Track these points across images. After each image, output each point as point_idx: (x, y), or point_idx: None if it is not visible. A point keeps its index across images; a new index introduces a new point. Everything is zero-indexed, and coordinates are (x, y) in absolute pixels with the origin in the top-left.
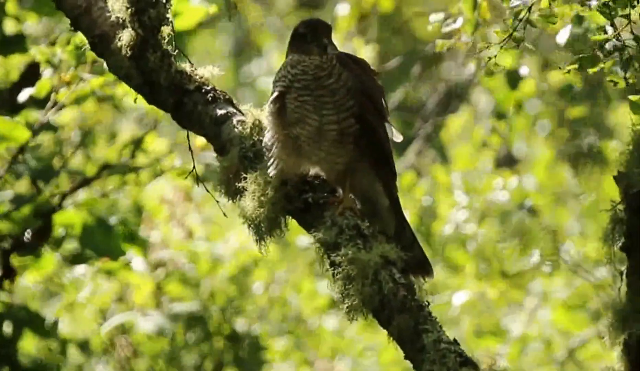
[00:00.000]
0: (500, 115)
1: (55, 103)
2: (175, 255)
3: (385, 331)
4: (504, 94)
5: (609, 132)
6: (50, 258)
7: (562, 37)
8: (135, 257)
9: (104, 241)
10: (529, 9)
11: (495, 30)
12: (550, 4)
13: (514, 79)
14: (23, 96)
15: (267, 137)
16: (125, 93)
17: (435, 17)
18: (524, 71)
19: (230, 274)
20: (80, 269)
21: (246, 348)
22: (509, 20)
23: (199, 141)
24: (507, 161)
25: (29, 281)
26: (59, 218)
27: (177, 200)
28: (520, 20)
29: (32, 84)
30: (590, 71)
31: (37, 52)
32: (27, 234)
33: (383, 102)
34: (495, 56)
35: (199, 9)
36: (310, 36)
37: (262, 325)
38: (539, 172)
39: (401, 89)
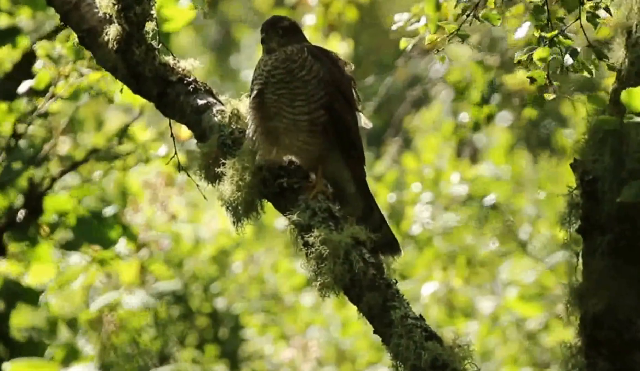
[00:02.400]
0: (459, 96)
1: (53, 95)
2: (159, 236)
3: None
4: (477, 109)
5: (565, 123)
6: (46, 248)
7: (520, 33)
8: (122, 243)
9: (97, 231)
10: (476, 5)
11: (444, 24)
12: (495, 3)
13: (485, 94)
14: (23, 87)
15: (249, 131)
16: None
17: (400, 17)
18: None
19: (210, 255)
20: (75, 257)
21: (226, 326)
22: (453, 16)
23: (185, 131)
24: (467, 150)
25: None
26: (50, 202)
27: (160, 184)
28: (468, 16)
29: (26, 75)
30: (540, 63)
31: (38, 47)
32: (20, 214)
33: (353, 92)
34: (443, 48)
35: (186, 11)
36: (263, 37)
37: (241, 302)
38: (498, 160)
39: (375, 99)
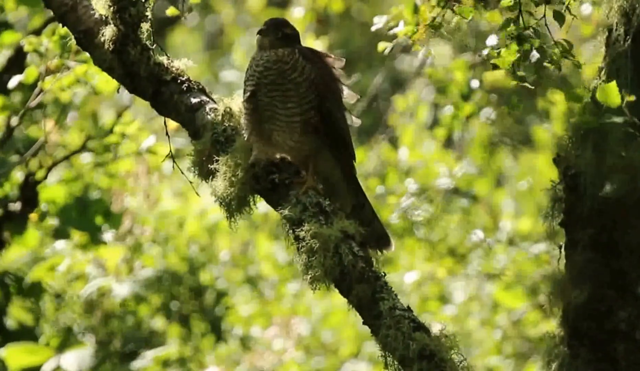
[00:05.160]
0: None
1: (42, 90)
2: (142, 224)
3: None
4: (457, 106)
5: (544, 119)
6: (33, 234)
7: (492, 40)
8: (108, 231)
9: (81, 217)
10: None
11: (430, 23)
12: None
13: (466, 92)
14: (13, 82)
15: (245, 134)
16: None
17: (379, 19)
18: (474, 84)
19: (194, 232)
20: (61, 244)
21: (210, 297)
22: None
23: (172, 123)
24: (449, 144)
25: (16, 253)
26: (44, 192)
27: (142, 173)
28: (443, 7)
29: (18, 69)
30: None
31: (25, 42)
32: (16, 205)
33: (343, 88)
34: (426, 46)
35: None
36: (264, 32)
37: (225, 283)
38: (478, 155)
39: (364, 99)
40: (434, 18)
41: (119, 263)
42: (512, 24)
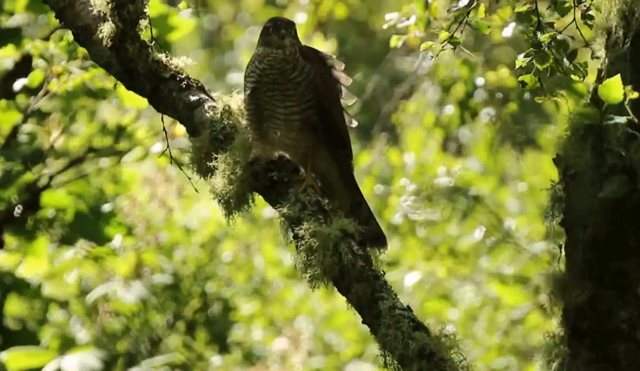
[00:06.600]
0: (445, 89)
1: (46, 92)
2: (156, 231)
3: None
4: (462, 105)
5: (547, 119)
6: (42, 242)
7: (508, 31)
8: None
9: (93, 228)
10: (468, 13)
11: (439, 31)
12: (486, 12)
13: (471, 90)
14: (17, 85)
15: (246, 134)
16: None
17: (391, 16)
18: (479, 81)
19: (201, 242)
20: (69, 253)
21: (216, 309)
22: (446, 23)
23: (180, 129)
24: (452, 145)
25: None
26: (48, 198)
27: (158, 180)
28: (460, 22)
29: (25, 75)
30: (541, 67)
31: (31, 46)
32: (17, 209)
33: (341, 89)
34: (437, 55)
35: (189, 22)
36: (272, 29)
37: (230, 288)
38: (482, 155)
39: (362, 96)
40: (452, 35)
41: (128, 271)
42: (532, 34)
